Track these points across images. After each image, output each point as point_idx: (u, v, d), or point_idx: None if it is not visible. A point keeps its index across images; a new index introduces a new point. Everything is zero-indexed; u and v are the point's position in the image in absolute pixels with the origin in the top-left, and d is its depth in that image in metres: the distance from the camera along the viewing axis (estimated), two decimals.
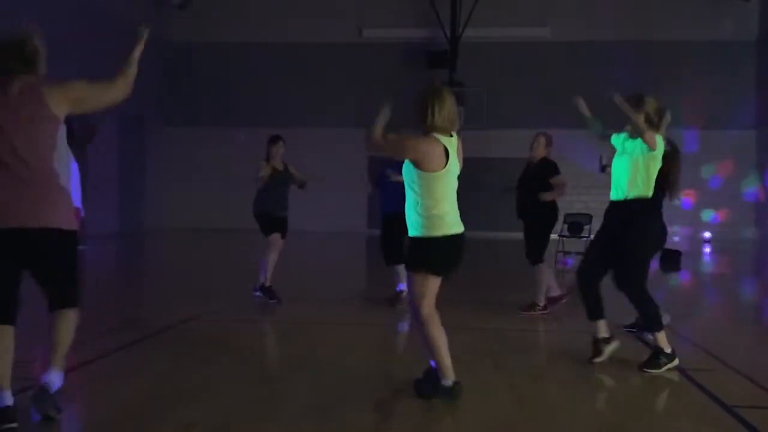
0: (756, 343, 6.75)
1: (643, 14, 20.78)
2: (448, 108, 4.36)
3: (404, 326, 7.13)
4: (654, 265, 13.30)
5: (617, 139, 5.65)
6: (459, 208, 4.45)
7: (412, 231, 4.39)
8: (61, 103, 3.89)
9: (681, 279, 12.47)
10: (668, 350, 5.30)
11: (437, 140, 4.31)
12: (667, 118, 5.67)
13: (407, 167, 4.38)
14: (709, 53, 20.59)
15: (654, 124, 5.42)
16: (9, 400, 3.74)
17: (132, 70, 4.16)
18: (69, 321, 3.98)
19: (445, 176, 4.31)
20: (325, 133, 21.23)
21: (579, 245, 13.20)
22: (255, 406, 4.38)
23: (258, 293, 8.11)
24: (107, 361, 5.37)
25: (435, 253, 4.33)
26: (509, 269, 12.81)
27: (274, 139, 8.29)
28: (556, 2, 21.12)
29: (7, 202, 3.71)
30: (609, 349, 5.49)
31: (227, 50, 21.91)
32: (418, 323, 4.43)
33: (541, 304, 7.64)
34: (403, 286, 7.65)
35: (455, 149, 4.41)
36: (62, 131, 4.09)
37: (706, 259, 16.61)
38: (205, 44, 21.85)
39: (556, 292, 7.84)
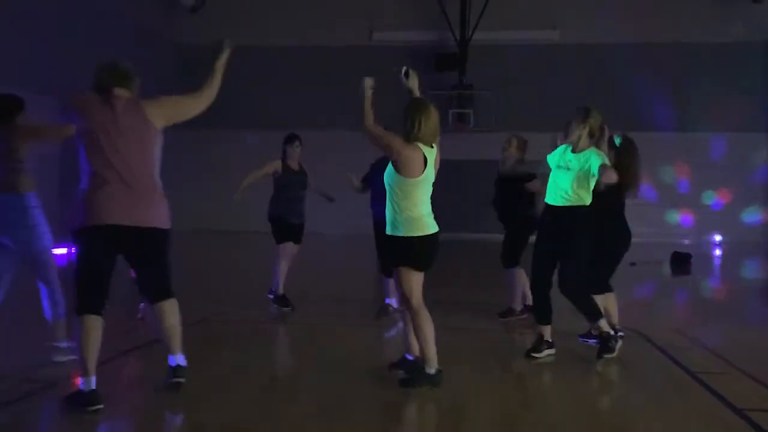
0: (766, 346, 6.72)
1: (653, 17, 20.69)
2: (432, 121, 4.82)
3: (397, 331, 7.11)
4: (666, 268, 13.35)
5: (552, 157, 5.78)
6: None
7: (393, 230, 4.80)
8: (158, 117, 4.34)
9: (692, 283, 12.42)
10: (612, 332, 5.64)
11: (419, 149, 4.76)
12: (606, 134, 5.77)
13: (389, 171, 4.81)
14: (719, 55, 20.51)
15: (594, 138, 5.58)
16: (94, 384, 4.16)
17: (216, 81, 4.72)
18: (175, 307, 4.50)
19: (422, 183, 4.76)
20: (336, 136, 21.23)
21: None
22: (264, 406, 4.41)
23: (272, 296, 7.93)
24: (117, 362, 5.40)
25: (416, 251, 4.76)
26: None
27: (290, 139, 7.93)
28: (566, 5, 21.09)
29: (115, 204, 4.14)
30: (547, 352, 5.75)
31: (238, 53, 21.73)
32: (410, 313, 4.84)
33: (518, 309, 7.40)
34: (390, 301, 7.53)
35: (433, 159, 4.85)
36: (161, 142, 4.47)
37: (717, 262, 16.55)
38: (215, 48, 21.88)
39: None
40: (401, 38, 21.76)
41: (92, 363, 4.17)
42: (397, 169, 4.75)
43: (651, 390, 5.01)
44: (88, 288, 4.19)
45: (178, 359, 4.49)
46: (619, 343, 5.69)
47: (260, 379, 5.07)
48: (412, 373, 4.85)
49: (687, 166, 20.55)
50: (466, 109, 20.56)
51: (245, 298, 8.49)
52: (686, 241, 19.68)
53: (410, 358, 5.02)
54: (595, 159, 5.41)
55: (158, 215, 4.32)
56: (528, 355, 5.73)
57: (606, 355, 5.54)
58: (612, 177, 5.30)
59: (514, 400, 4.67)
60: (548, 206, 5.72)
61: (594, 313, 5.66)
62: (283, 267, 7.86)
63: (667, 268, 13.41)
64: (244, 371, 5.26)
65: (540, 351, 5.73)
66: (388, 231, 4.85)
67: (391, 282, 7.33)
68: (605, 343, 5.56)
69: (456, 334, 6.43)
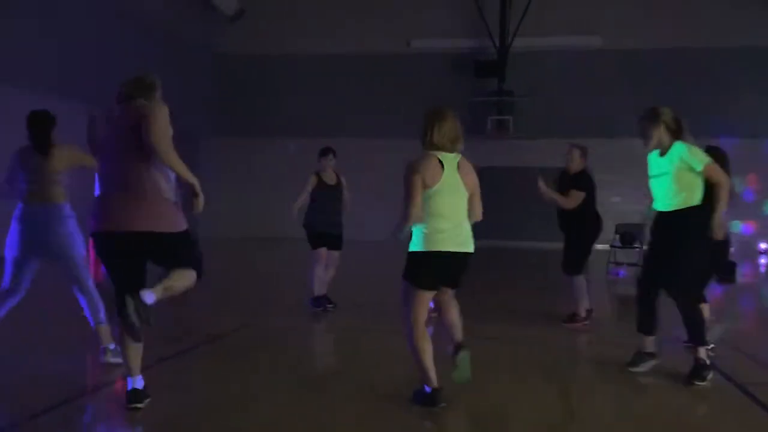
0: None
1: (695, 22, 20.39)
2: (447, 126, 4.42)
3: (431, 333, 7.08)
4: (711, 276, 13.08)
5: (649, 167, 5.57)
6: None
7: (411, 246, 4.46)
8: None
9: (738, 292, 12.17)
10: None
11: (433, 156, 4.38)
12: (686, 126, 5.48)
13: None
14: (763, 60, 20.11)
15: (674, 132, 5.35)
16: (140, 383, 4.33)
17: (180, 170, 4.29)
18: (184, 272, 4.32)
19: (440, 193, 4.33)
20: (374, 144, 21.31)
21: (631, 255, 13.00)
22: (303, 414, 4.41)
23: (311, 303, 8.11)
24: (157, 369, 5.45)
25: (420, 268, 4.39)
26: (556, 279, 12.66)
27: (324, 152, 8.16)
28: (607, 11, 20.88)
29: (117, 211, 4.13)
30: (648, 363, 5.49)
31: (277, 61, 22.19)
32: (404, 328, 4.50)
33: (582, 314, 7.53)
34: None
35: (454, 166, 4.40)
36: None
37: (762, 270, 16.20)
38: (255, 56, 22.16)
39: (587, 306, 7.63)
40: (439, 45, 21.77)
41: (135, 363, 4.29)
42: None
43: (699, 402, 4.91)
44: (119, 290, 4.24)
45: (146, 294, 4.20)
46: (711, 373, 5.31)
47: (299, 387, 5.07)
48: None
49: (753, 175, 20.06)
50: (505, 116, 20.45)
51: (287, 305, 8.53)
52: (732, 249, 19.28)
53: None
54: (686, 152, 5.18)
55: (157, 219, 4.21)
56: (629, 368, 5.47)
57: (697, 382, 5.18)
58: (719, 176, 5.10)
59: (559, 410, 4.61)
60: (658, 213, 5.48)
61: (699, 337, 5.31)
62: (318, 271, 8.02)
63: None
64: (282, 379, 5.27)
65: (637, 365, 5.48)
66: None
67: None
68: (699, 370, 5.23)
69: (503, 345, 6.38)
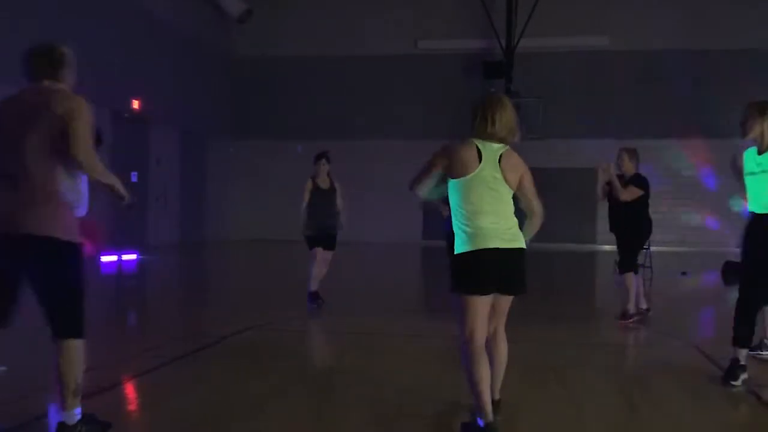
0: None
1: (704, 22, 20.35)
2: (507, 115, 4.01)
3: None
4: (716, 278, 13.05)
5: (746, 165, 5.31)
6: (520, 219, 4.16)
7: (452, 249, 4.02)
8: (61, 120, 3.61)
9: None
10: None
11: (470, 144, 3.96)
12: None
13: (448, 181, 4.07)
14: None
15: None
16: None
17: (101, 175, 3.69)
18: (71, 351, 3.64)
19: (473, 185, 3.90)
20: (382, 145, 21.34)
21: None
22: (314, 417, 4.40)
23: (308, 300, 8.52)
24: (167, 370, 5.46)
25: (466, 271, 3.91)
26: (570, 280, 12.64)
27: (318, 157, 8.52)
28: (615, 11, 20.85)
29: (5, 208, 3.59)
30: (743, 377, 5.20)
31: (287, 64, 22.24)
32: (461, 344, 3.96)
33: (632, 311, 7.72)
34: None
35: (495, 157, 3.94)
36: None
37: None
38: (266, 58, 22.21)
39: (644, 305, 8.06)
40: (447, 46, 21.78)
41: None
42: (448, 173, 3.99)
43: (706, 404, 4.87)
44: None
45: (65, 416, 3.64)
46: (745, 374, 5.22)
47: (310, 390, 5.07)
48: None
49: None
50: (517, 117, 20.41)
51: (294, 307, 8.54)
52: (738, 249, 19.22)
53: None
54: None
55: (50, 222, 3.59)
56: (725, 382, 5.19)
57: (732, 382, 5.13)
58: None
59: (568, 416, 4.59)
60: (754, 215, 5.23)
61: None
62: (315, 270, 8.51)
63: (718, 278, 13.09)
64: (293, 381, 5.26)
65: (737, 377, 5.15)
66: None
67: None
68: (734, 370, 5.18)
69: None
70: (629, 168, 7.72)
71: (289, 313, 8.24)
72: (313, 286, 8.55)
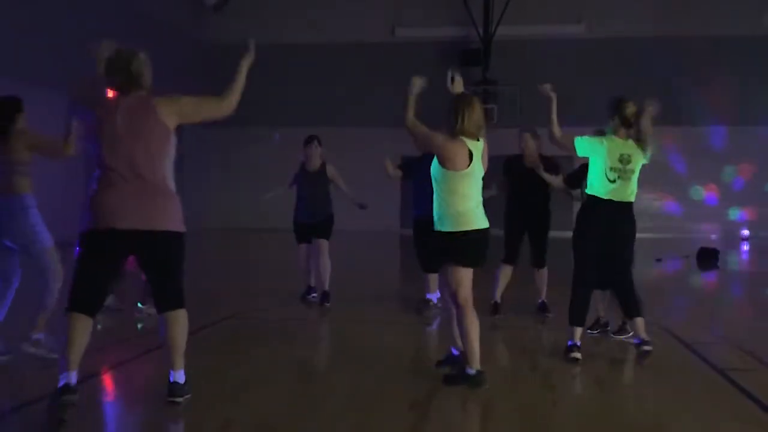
0: None
1: (681, 9, 20.50)
2: (476, 114, 4.75)
3: (437, 325, 7.12)
4: (693, 263, 13.22)
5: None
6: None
7: (440, 225, 4.75)
8: (171, 114, 4.15)
9: (714, 277, 12.31)
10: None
11: (464, 142, 4.69)
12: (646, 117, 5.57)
13: (435, 166, 4.78)
14: (748, 48, 20.23)
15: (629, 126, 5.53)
16: (74, 379, 3.97)
17: (239, 84, 4.49)
18: (180, 318, 4.24)
19: (468, 176, 4.70)
20: (358, 132, 21.30)
21: None
22: (293, 404, 4.42)
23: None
24: (147, 358, 5.46)
25: (463, 247, 4.70)
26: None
27: (307, 140, 8.08)
28: None
29: (118, 205, 3.97)
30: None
31: (261, 51, 21.83)
32: (455, 309, 4.79)
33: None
34: (431, 296, 7.56)
35: (480, 152, 4.78)
36: (174, 141, 4.27)
37: (744, 257, 16.36)
38: (238, 45, 21.99)
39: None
40: (424, 34, 21.75)
41: (74, 359, 3.97)
42: (442, 163, 4.71)
43: (680, 388, 4.94)
44: (81, 288, 4.03)
45: (176, 376, 4.24)
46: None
47: (289, 377, 5.09)
48: (456, 369, 4.82)
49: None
50: (490, 105, 20.48)
51: (276, 295, 8.54)
52: (714, 237, 19.48)
53: (456, 353, 4.98)
54: None
55: (166, 217, 4.12)
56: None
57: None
58: None
59: (542, 399, 4.65)
60: None
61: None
62: (303, 267, 8.25)
63: (694, 264, 13.27)
64: (272, 369, 5.27)
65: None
66: (436, 227, 4.78)
67: (432, 278, 7.46)
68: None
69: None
70: (533, 149, 7.64)
71: (268, 302, 8.23)
72: (307, 281, 8.25)
